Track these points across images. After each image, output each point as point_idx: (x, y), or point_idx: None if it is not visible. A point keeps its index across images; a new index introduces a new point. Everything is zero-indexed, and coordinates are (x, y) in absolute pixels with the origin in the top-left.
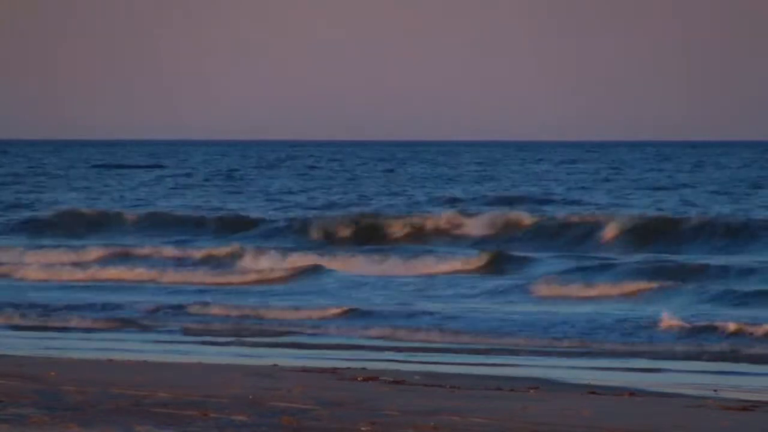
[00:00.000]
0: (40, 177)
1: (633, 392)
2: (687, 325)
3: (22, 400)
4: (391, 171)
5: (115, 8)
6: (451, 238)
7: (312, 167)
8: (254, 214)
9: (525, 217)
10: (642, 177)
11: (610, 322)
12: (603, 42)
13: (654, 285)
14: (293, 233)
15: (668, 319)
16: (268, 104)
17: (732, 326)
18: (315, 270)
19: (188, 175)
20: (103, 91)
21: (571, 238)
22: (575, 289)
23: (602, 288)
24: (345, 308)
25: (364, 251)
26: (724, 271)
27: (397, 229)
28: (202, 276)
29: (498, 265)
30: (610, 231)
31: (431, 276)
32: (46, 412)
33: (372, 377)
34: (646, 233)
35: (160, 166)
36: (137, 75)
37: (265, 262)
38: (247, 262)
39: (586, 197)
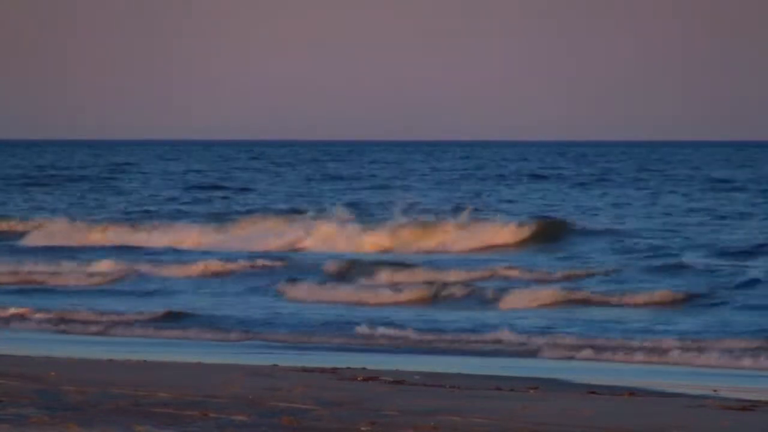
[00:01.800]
0: None
1: (633, 392)
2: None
3: (22, 400)
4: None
5: (115, 8)
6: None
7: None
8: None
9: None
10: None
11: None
12: (602, 42)
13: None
14: None
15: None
16: (268, 104)
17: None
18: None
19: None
20: (104, 91)
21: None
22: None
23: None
24: None
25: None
26: None
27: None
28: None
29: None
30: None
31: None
32: (46, 412)
33: (372, 377)
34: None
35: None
36: (137, 75)
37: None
38: None
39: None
